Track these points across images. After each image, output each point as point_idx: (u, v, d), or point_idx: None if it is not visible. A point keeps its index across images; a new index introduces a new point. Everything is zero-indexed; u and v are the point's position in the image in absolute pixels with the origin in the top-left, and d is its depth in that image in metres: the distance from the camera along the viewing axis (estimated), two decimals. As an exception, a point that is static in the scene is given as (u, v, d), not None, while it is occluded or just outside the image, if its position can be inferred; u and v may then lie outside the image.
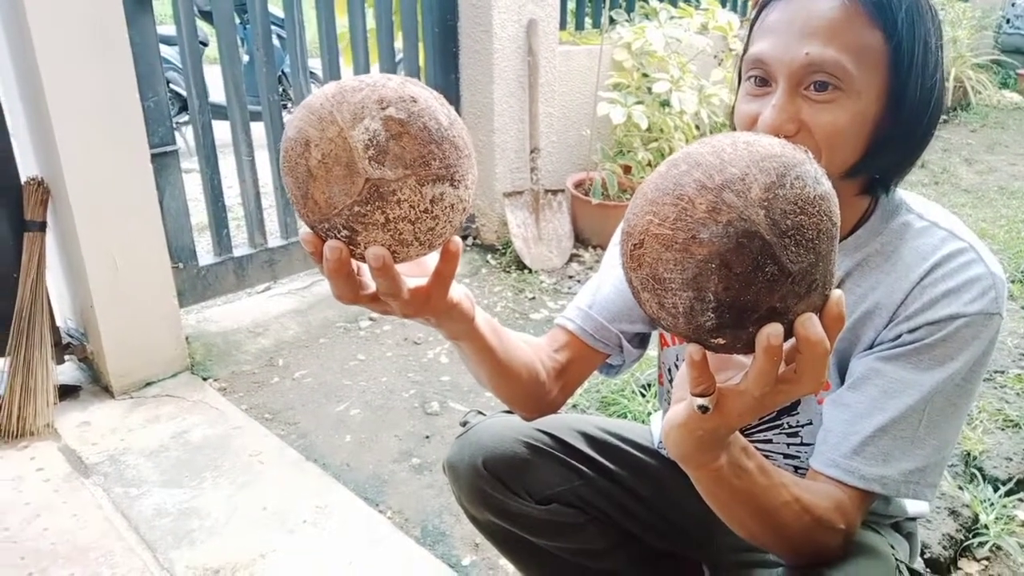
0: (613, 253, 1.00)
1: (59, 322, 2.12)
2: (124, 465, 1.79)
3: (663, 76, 2.85)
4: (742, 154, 0.50)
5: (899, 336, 0.78)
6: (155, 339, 2.14)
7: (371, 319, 2.52)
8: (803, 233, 0.49)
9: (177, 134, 4.22)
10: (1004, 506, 1.55)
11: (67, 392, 2.08)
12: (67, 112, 1.84)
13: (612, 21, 3.50)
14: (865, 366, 0.80)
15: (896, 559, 0.84)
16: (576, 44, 3.27)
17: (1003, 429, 1.78)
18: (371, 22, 2.77)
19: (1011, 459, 1.68)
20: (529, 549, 1.02)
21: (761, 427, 0.93)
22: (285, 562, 1.49)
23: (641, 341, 1.01)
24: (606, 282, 0.97)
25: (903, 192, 0.86)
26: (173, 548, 1.53)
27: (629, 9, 3.65)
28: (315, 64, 2.73)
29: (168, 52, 3.62)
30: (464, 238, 3.14)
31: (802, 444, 0.90)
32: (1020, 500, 1.59)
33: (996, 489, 1.59)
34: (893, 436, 0.77)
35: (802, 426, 0.90)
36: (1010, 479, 1.62)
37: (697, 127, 3.29)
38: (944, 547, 1.43)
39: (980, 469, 1.65)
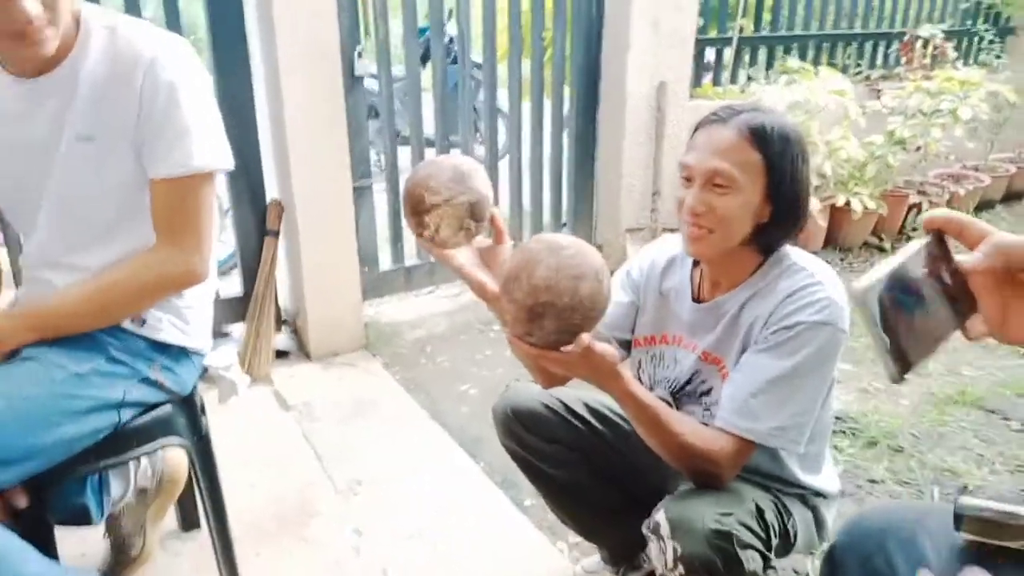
0: (617, 279, 1.49)
1: (280, 303, 2.95)
2: (313, 407, 2.54)
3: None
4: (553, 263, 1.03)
5: (766, 337, 1.22)
6: (344, 322, 2.91)
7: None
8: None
9: (372, 152, 5.04)
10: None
11: (281, 354, 2.90)
12: (300, 157, 2.65)
13: (749, 79, 3.87)
14: (746, 357, 1.25)
15: (758, 506, 1.25)
16: (711, 99, 3.68)
17: (1012, 473, 1.98)
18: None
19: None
20: (539, 473, 1.53)
21: (690, 403, 1.38)
22: (407, 483, 2.13)
23: (627, 346, 1.50)
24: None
25: (793, 250, 1.29)
26: (336, 464, 2.22)
27: (768, 66, 3.99)
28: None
29: (372, 84, 4.36)
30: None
31: (712, 416, 1.34)
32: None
33: (979, 515, 1.83)
34: (759, 401, 1.19)
35: (715, 403, 1.34)
36: (996, 509, 1.85)
37: (822, 175, 3.56)
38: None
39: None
